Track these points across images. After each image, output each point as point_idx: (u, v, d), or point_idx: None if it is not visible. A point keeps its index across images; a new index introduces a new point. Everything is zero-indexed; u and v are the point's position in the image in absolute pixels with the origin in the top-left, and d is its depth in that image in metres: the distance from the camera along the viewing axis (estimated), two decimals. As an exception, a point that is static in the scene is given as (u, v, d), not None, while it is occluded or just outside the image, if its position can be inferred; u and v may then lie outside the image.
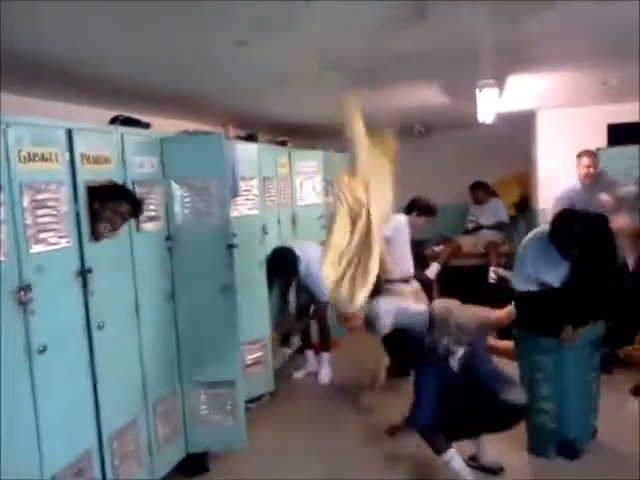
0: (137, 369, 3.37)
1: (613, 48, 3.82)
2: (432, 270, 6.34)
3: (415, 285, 4.90)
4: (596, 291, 3.55)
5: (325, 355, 5.33)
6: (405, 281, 4.80)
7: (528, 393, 3.63)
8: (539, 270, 3.67)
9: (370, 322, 3.62)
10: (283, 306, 5.21)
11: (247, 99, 4.95)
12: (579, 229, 3.50)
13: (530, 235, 3.88)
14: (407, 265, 4.88)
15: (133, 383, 3.34)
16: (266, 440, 4.15)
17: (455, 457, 3.44)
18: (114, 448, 3.09)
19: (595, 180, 5.53)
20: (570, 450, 3.77)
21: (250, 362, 4.61)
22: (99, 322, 2.96)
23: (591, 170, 5.54)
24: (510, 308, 3.88)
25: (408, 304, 3.88)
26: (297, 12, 2.57)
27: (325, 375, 5.28)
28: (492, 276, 6.72)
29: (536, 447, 3.84)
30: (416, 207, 5.08)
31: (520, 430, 3.68)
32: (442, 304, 3.80)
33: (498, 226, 7.38)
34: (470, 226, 7.51)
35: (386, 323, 3.55)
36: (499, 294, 4.78)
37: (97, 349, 2.95)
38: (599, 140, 6.59)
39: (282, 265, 4.87)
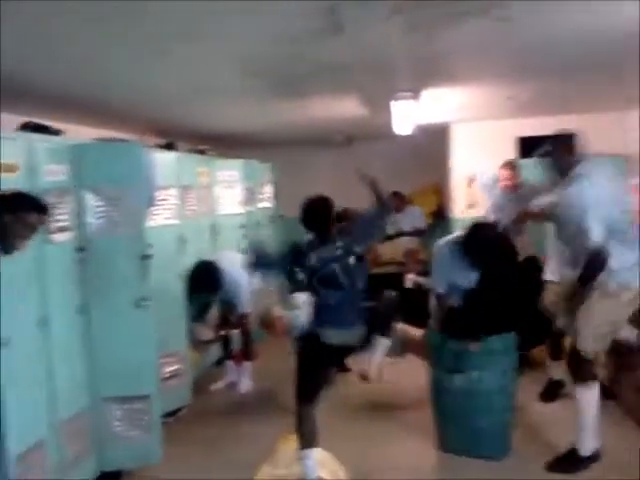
0: (44, 387, 3.21)
1: (518, 65, 4.04)
2: None
3: None
4: (501, 304, 3.75)
5: (247, 364, 5.29)
6: None
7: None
8: (451, 274, 3.86)
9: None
10: (203, 318, 5.14)
11: (167, 108, 4.88)
12: (490, 242, 3.65)
13: (443, 240, 4.06)
14: None
15: (40, 402, 3.18)
16: (182, 455, 4.05)
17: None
18: (19, 472, 2.92)
19: (516, 190, 5.75)
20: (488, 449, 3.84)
21: (167, 375, 4.51)
22: (3, 338, 2.80)
23: (509, 182, 5.77)
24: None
25: None
26: (215, 22, 2.56)
27: (246, 385, 5.23)
28: (408, 285, 6.91)
29: (449, 445, 3.94)
30: (342, 219, 5.17)
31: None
32: None
33: (417, 233, 7.58)
34: (391, 231, 7.68)
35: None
36: (416, 301, 4.94)
37: (2, 367, 2.79)
38: (509, 152, 6.92)
39: (205, 280, 4.81)
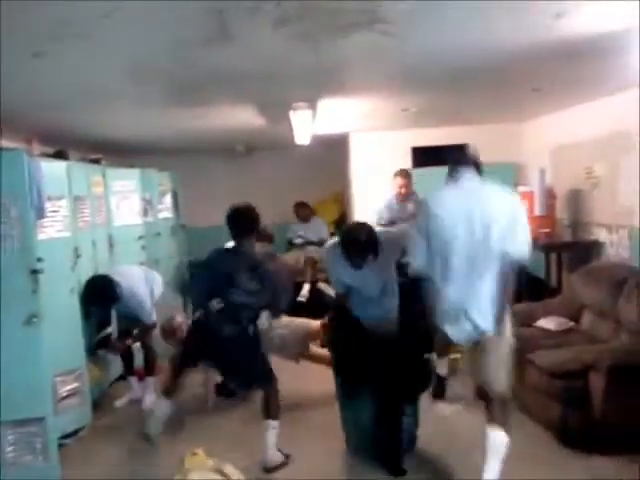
0: None
1: (410, 77, 4.20)
2: None
3: None
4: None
5: (150, 380, 5.14)
6: None
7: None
8: (339, 274, 3.94)
9: None
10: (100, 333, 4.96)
11: (56, 114, 4.68)
12: (363, 241, 3.69)
13: (330, 243, 4.21)
14: None
15: None
16: (84, 477, 3.87)
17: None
18: None
19: (407, 196, 6.11)
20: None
21: (65, 394, 4.29)
22: None
23: (403, 190, 6.12)
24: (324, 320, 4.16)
25: None
26: (106, 24, 2.50)
27: (150, 401, 5.08)
28: (303, 293, 7.07)
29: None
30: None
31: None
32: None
33: (321, 243, 7.71)
34: (298, 241, 7.77)
35: None
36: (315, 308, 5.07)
37: None
38: (404, 161, 7.19)
39: (99, 295, 4.66)
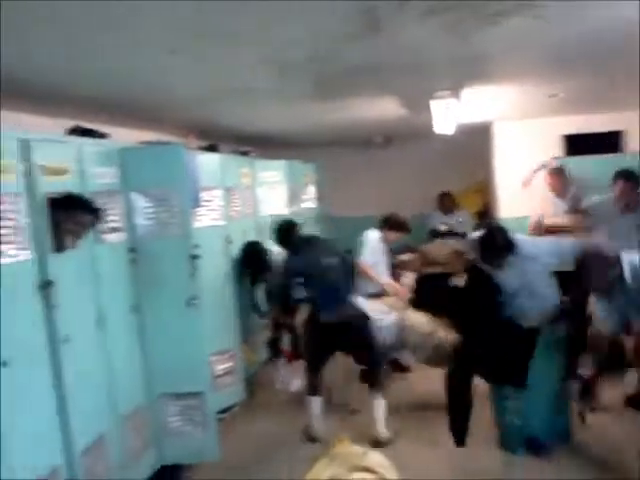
0: (104, 383, 3.31)
1: (557, 62, 3.98)
2: (406, 280, 6.37)
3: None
4: None
5: (298, 363, 5.28)
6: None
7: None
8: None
9: None
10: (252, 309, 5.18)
11: (209, 110, 4.96)
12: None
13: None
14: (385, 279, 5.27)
15: (101, 397, 3.28)
16: (239, 452, 4.11)
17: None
18: (84, 465, 3.02)
19: (561, 193, 5.74)
20: (537, 447, 3.83)
21: (220, 372, 4.58)
22: (64, 335, 2.90)
23: (558, 190, 5.77)
24: None
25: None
26: (249, 23, 2.61)
27: (296, 384, 5.24)
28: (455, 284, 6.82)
29: (505, 444, 3.92)
30: (389, 223, 5.32)
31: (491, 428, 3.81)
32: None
33: (464, 235, 7.50)
34: (443, 228, 7.61)
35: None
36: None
37: (62, 363, 2.89)
38: (554, 150, 6.79)
39: (256, 257, 4.95)
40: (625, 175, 4.70)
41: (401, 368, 5.55)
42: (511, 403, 3.85)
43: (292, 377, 5.26)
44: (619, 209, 4.74)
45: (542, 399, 3.86)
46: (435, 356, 4.66)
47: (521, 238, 4.11)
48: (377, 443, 4.02)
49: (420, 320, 4.76)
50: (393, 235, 5.36)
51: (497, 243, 3.91)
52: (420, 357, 4.84)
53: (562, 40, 3.33)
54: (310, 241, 4.69)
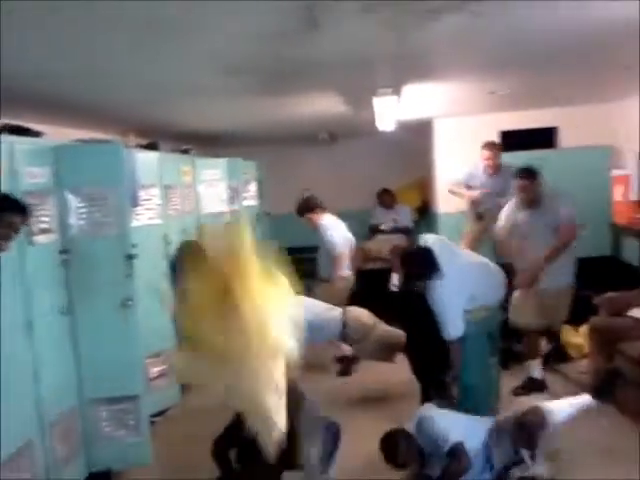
0: (30, 388, 3.21)
1: (496, 59, 4.06)
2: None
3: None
4: None
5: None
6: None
7: None
8: None
9: None
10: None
11: (148, 107, 4.86)
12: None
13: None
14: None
15: (26, 403, 3.18)
16: (172, 455, 4.05)
17: None
18: (8, 473, 2.92)
19: (496, 170, 5.91)
20: None
21: (155, 375, 4.51)
22: (-12, 340, 2.80)
23: (490, 162, 5.91)
24: None
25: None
26: (195, 19, 2.57)
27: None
28: (394, 283, 6.93)
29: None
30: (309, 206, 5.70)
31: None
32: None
33: (406, 230, 7.64)
34: (386, 228, 7.72)
35: None
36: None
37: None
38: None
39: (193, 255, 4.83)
40: (524, 172, 4.77)
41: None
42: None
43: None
44: (520, 206, 4.86)
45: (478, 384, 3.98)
46: (378, 350, 4.72)
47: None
48: None
49: (361, 314, 4.78)
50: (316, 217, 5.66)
51: (420, 265, 3.93)
52: (362, 351, 4.88)
53: (500, 37, 3.39)
54: None
